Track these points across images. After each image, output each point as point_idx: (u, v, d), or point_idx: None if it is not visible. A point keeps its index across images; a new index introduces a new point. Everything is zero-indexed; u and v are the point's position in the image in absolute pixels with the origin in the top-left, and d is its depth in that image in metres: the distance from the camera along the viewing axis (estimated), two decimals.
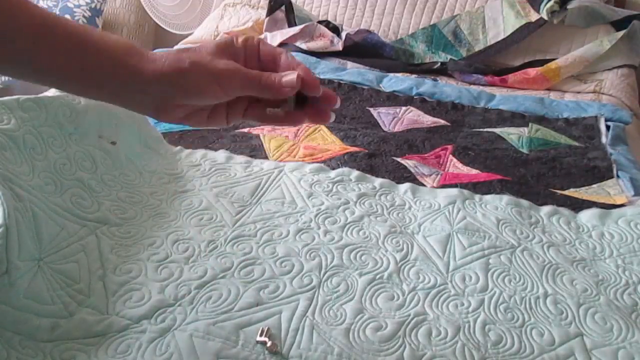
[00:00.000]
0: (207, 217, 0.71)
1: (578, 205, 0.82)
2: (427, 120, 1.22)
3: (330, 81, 1.43)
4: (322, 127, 1.09)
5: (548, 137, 1.15)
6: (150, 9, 2.27)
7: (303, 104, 0.45)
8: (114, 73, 0.42)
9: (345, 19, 1.93)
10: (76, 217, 0.64)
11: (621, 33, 1.57)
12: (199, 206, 0.73)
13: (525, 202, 0.80)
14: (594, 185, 0.92)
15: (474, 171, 0.96)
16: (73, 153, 0.70)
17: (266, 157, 0.93)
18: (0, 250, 0.50)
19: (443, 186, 0.87)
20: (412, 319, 0.56)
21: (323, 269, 0.63)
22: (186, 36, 2.03)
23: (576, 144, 1.12)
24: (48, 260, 0.56)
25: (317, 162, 0.91)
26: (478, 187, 0.86)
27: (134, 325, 0.53)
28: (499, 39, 1.68)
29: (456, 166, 0.97)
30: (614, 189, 0.91)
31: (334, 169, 0.87)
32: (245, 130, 1.06)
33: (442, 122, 1.21)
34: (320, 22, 1.83)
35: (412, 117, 1.23)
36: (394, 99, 1.35)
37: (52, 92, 0.94)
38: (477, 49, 1.70)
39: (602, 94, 1.51)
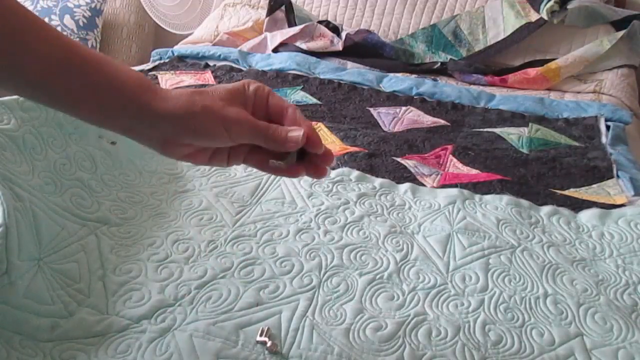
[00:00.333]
0: (207, 217, 0.71)
1: (578, 205, 0.82)
2: (427, 120, 1.22)
3: (330, 81, 1.43)
4: (322, 127, 1.09)
5: (548, 137, 1.15)
6: (150, 9, 2.27)
7: (302, 157, 0.46)
8: (126, 107, 0.42)
9: (345, 19, 1.93)
10: (76, 217, 0.64)
11: (621, 33, 1.57)
12: (199, 206, 0.73)
13: (525, 202, 0.80)
14: (594, 185, 0.92)
15: (474, 171, 0.96)
16: (73, 153, 0.70)
17: None
18: (0, 250, 0.50)
19: (443, 186, 0.87)
20: (412, 319, 0.56)
21: (323, 269, 0.63)
22: (186, 36, 2.03)
23: (576, 144, 1.12)
24: (48, 260, 0.56)
25: None
26: (478, 187, 0.86)
27: (134, 325, 0.53)
28: (499, 39, 1.68)
29: (456, 166, 0.97)
30: (614, 189, 0.91)
31: (334, 169, 0.87)
32: None
33: (442, 122, 1.21)
34: (320, 22, 1.83)
35: (412, 117, 1.23)
36: (394, 99, 1.35)
37: None
38: (477, 49, 1.70)
39: (602, 94, 1.51)
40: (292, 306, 0.56)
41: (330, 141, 1.03)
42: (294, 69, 1.51)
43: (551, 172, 0.97)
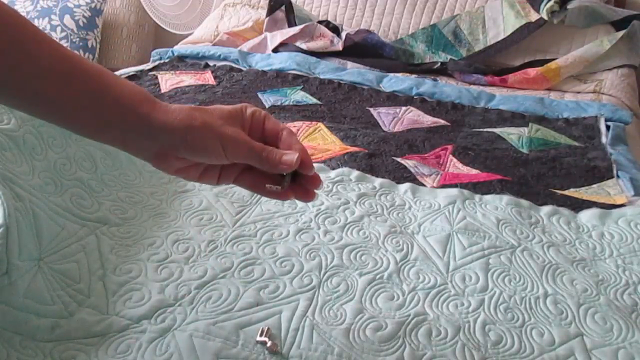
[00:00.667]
0: (207, 217, 0.71)
1: (578, 205, 0.82)
2: (427, 120, 1.22)
3: (330, 81, 1.43)
4: (322, 127, 1.09)
5: (548, 137, 1.15)
6: (150, 9, 2.27)
7: (293, 180, 0.47)
8: (125, 118, 0.43)
9: (345, 19, 1.93)
10: (76, 217, 0.64)
11: (621, 33, 1.57)
12: (199, 206, 0.73)
13: (525, 202, 0.80)
14: (594, 185, 0.92)
15: (474, 171, 0.96)
16: (73, 153, 0.70)
17: None
18: (1, 250, 0.50)
19: (443, 186, 0.87)
20: (412, 319, 0.56)
21: (323, 269, 0.63)
22: (186, 36, 2.03)
23: (576, 144, 1.12)
24: (48, 260, 0.56)
25: (317, 162, 0.91)
26: (478, 187, 0.86)
27: (134, 325, 0.53)
28: (499, 39, 1.68)
29: (456, 166, 0.97)
30: (614, 189, 0.91)
31: (334, 169, 0.87)
32: None
33: (442, 122, 1.21)
34: (320, 22, 1.83)
35: (412, 117, 1.23)
36: (394, 99, 1.35)
37: None
38: (477, 49, 1.70)
39: (602, 94, 1.51)
40: (292, 306, 0.56)
41: (330, 141, 1.03)
42: (294, 69, 1.51)
43: (551, 172, 0.97)
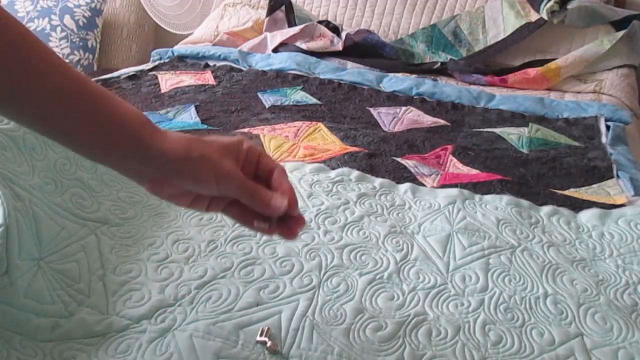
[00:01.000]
0: (207, 217, 0.71)
1: (578, 205, 0.82)
2: (427, 120, 1.22)
3: (330, 81, 1.43)
4: (322, 127, 1.09)
5: (548, 137, 1.15)
6: (150, 9, 2.27)
7: (279, 217, 0.48)
8: (124, 142, 0.43)
9: (345, 19, 1.93)
10: (76, 217, 0.64)
11: (621, 33, 1.57)
12: None
13: (525, 202, 0.80)
14: (594, 185, 0.92)
15: (474, 171, 0.96)
16: (73, 153, 0.70)
17: None
18: (1, 250, 0.50)
19: (443, 186, 0.87)
20: (412, 319, 0.56)
21: (323, 269, 0.63)
22: (186, 36, 2.03)
23: (576, 144, 1.12)
24: (48, 260, 0.56)
25: (317, 162, 0.91)
26: (478, 187, 0.86)
27: (134, 325, 0.53)
28: (499, 39, 1.68)
29: (456, 166, 0.97)
30: (614, 189, 0.91)
31: (334, 169, 0.87)
32: (245, 130, 1.06)
33: (442, 122, 1.21)
34: (320, 22, 1.83)
35: (412, 117, 1.23)
36: (394, 99, 1.35)
37: None
38: (477, 49, 1.70)
39: (602, 94, 1.51)
40: (292, 306, 0.56)
41: (330, 141, 1.03)
42: (294, 69, 1.51)
43: (551, 172, 0.97)
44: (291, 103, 1.27)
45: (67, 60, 2.12)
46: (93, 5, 2.18)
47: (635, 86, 1.58)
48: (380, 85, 1.45)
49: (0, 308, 0.50)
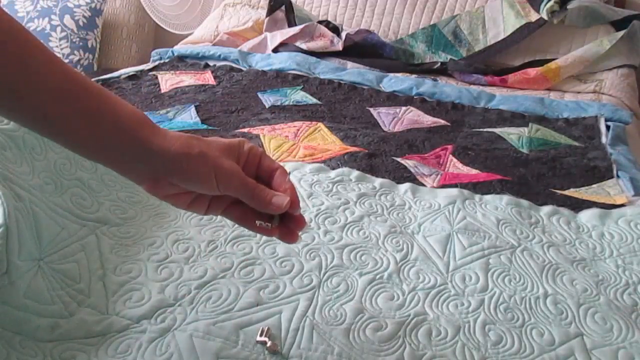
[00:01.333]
0: (207, 217, 0.71)
1: (578, 205, 0.82)
2: (427, 120, 1.22)
3: (330, 81, 1.43)
4: (322, 127, 1.09)
5: (548, 137, 1.15)
6: (150, 9, 2.27)
7: (281, 218, 0.48)
8: (123, 140, 0.43)
9: (345, 19, 1.93)
10: (76, 217, 0.64)
11: (621, 33, 1.57)
12: None
13: (525, 202, 0.80)
14: (594, 185, 0.92)
15: (474, 171, 0.96)
16: (73, 153, 0.70)
17: None
18: (1, 250, 0.50)
19: (443, 186, 0.87)
20: (412, 319, 0.56)
21: (323, 269, 0.63)
22: (186, 36, 2.03)
23: (576, 144, 1.12)
24: (48, 260, 0.56)
25: (317, 162, 0.91)
26: (478, 187, 0.86)
27: (134, 325, 0.53)
28: (499, 39, 1.68)
29: (456, 166, 0.97)
30: (614, 189, 0.91)
31: (334, 169, 0.87)
32: (245, 130, 1.06)
33: (442, 122, 1.21)
34: (320, 22, 1.83)
35: (412, 117, 1.23)
36: (394, 99, 1.35)
37: None
38: (477, 49, 1.70)
39: (602, 94, 1.51)
40: (292, 306, 0.56)
41: (330, 141, 1.03)
42: (294, 69, 1.51)
43: (551, 172, 0.97)
44: (291, 103, 1.27)
45: (67, 61, 2.12)
46: (93, 5, 2.18)
47: (635, 86, 1.58)
48: (380, 85, 1.45)
49: (0, 308, 0.50)
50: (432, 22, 1.81)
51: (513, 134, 1.13)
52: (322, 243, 0.67)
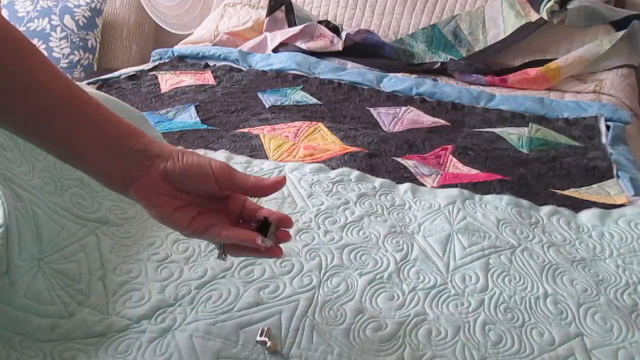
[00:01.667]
0: None
1: (578, 205, 0.82)
2: (427, 120, 1.22)
3: (330, 81, 1.43)
4: (322, 127, 1.09)
5: (548, 137, 1.15)
6: (150, 9, 2.27)
7: (265, 234, 0.49)
8: (123, 144, 0.46)
9: (345, 19, 1.93)
10: (76, 217, 0.64)
11: (621, 33, 1.57)
12: None
13: (525, 202, 0.80)
14: (594, 185, 0.92)
15: (474, 171, 0.96)
16: None
17: (266, 157, 0.93)
18: (1, 250, 0.50)
19: (443, 186, 0.87)
20: (412, 319, 0.56)
21: (323, 269, 0.63)
22: (186, 36, 2.03)
23: (576, 144, 1.12)
24: (48, 260, 0.56)
25: (317, 162, 0.91)
26: (478, 187, 0.86)
27: (134, 325, 0.53)
28: (499, 39, 1.68)
29: (456, 166, 0.97)
30: (614, 189, 0.91)
31: (334, 169, 0.87)
32: (245, 130, 1.06)
33: (442, 122, 1.21)
34: (320, 22, 1.83)
35: (412, 117, 1.23)
36: (394, 99, 1.35)
37: None
38: (477, 49, 1.70)
39: (602, 94, 1.51)
40: (292, 306, 0.56)
41: (330, 141, 1.03)
42: (294, 69, 1.51)
43: (551, 172, 0.97)
44: (291, 103, 1.27)
45: (67, 60, 2.12)
46: (93, 5, 2.18)
47: (635, 86, 1.58)
48: (380, 85, 1.45)
49: (0, 308, 0.50)
50: (432, 22, 1.81)
51: (513, 134, 1.13)
52: (322, 243, 0.67)
